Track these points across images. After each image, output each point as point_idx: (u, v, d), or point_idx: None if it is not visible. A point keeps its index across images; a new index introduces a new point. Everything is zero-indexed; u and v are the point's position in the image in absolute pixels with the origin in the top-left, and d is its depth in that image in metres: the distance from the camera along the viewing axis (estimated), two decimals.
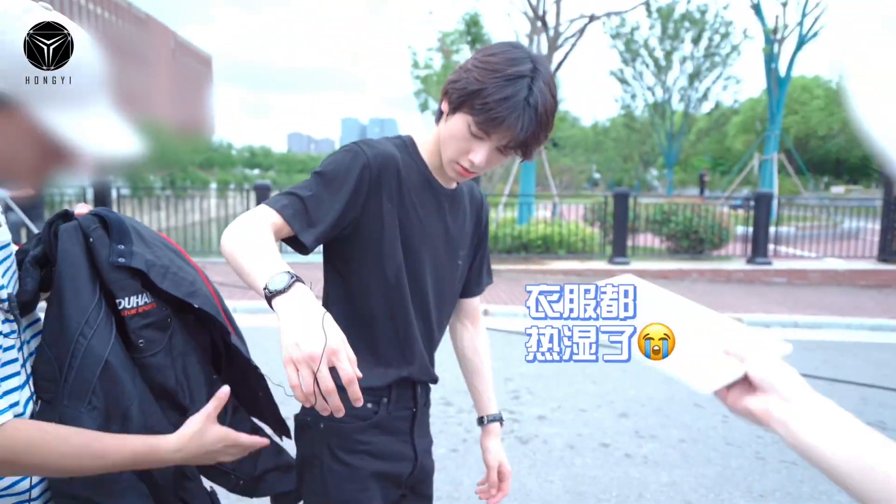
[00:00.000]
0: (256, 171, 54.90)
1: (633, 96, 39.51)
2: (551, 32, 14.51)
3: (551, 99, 1.28)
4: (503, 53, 1.27)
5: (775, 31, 19.39)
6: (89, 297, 1.10)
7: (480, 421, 1.70)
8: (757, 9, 19.34)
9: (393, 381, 1.43)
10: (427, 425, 1.61)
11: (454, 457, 3.88)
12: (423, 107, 30.40)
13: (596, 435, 4.26)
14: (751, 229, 10.98)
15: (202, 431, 1.10)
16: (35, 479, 1.04)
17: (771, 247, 11.03)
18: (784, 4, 19.27)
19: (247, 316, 7.22)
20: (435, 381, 1.55)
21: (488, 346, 1.72)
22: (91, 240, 1.13)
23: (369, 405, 1.41)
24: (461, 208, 1.50)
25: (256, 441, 1.20)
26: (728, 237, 11.46)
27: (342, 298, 1.42)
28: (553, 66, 14.51)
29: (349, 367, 0.94)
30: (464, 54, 14.49)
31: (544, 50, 14.71)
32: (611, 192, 11.89)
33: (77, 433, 1.01)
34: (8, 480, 1.00)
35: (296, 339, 0.94)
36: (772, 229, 11.12)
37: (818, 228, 13.15)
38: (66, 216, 1.16)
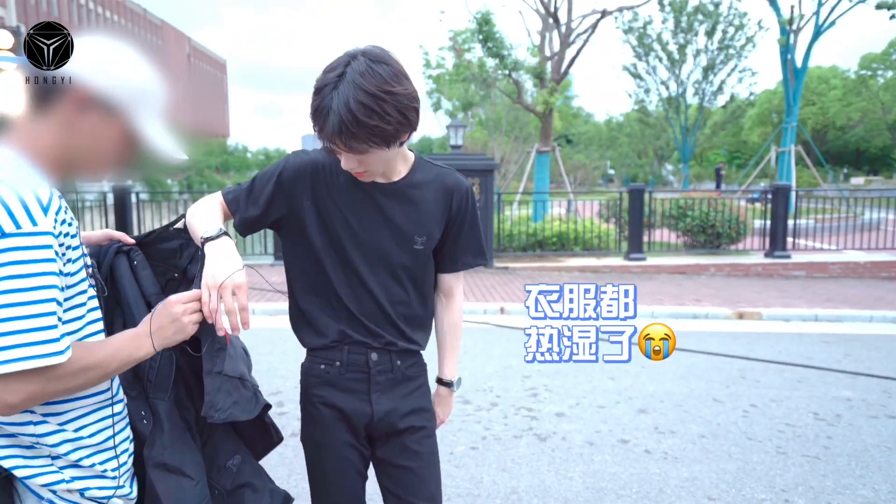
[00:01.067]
0: None
1: (647, 91, 39.16)
2: (563, 29, 14.45)
3: (362, 92, 1.34)
4: (325, 68, 1.41)
5: (791, 21, 19.13)
6: (147, 312, 1.37)
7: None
8: None
9: (330, 343, 1.67)
10: (410, 390, 1.75)
11: (473, 454, 3.89)
12: (436, 106, 30.39)
13: (615, 431, 4.25)
14: (769, 223, 10.88)
15: (157, 309, 1.30)
16: (125, 446, 1.31)
17: (790, 240, 10.91)
18: None
19: (265, 318, 7.28)
20: (395, 345, 1.68)
21: (457, 320, 1.88)
22: (134, 263, 1.48)
23: (322, 366, 1.70)
24: (412, 198, 1.65)
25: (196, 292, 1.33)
26: (746, 231, 11.34)
27: (289, 278, 1.72)
28: (566, 63, 14.46)
29: (244, 298, 1.29)
30: (475, 53, 14.45)
31: (556, 46, 14.69)
32: (626, 187, 11.82)
33: (95, 342, 1.23)
34: (101, 436, 1.24)
35: (213, 271, 1.31)
36: (790, 222, 11.01)
37: (838, 220, 12.99)
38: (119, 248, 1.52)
